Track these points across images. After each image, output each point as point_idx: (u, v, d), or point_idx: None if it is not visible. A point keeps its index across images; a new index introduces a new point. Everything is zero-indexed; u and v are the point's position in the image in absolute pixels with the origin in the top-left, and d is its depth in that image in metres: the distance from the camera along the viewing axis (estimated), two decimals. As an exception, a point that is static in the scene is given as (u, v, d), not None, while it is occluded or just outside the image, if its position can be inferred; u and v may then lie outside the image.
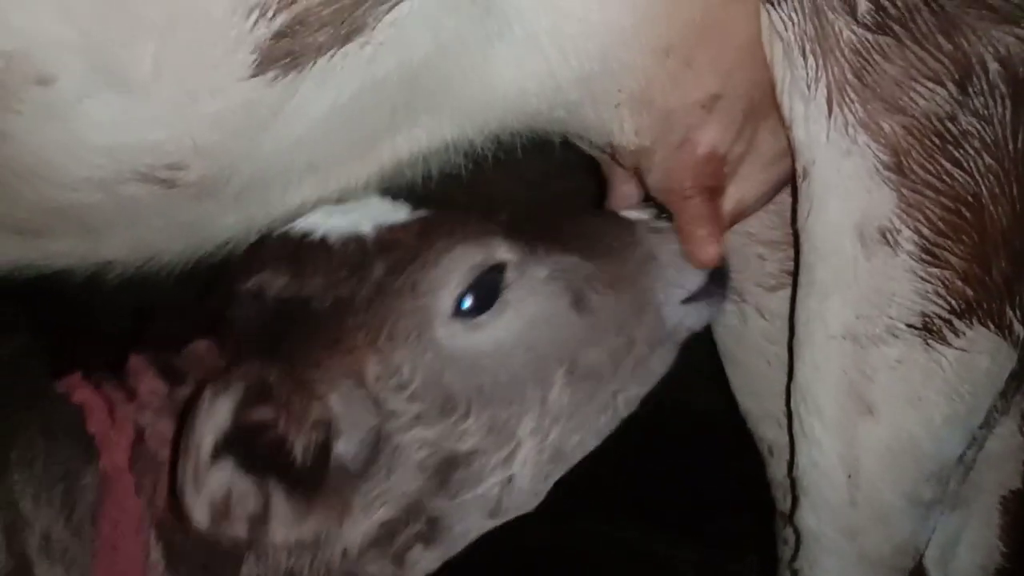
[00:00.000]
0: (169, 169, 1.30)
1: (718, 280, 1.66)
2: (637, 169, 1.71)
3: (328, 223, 1.42)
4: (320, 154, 1.48)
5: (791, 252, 1.79)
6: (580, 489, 1.53)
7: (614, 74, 1.49)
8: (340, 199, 1.55)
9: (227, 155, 1.34)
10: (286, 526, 1.19)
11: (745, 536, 2.72)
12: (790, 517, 1.78)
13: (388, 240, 1.38)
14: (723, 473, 2.62)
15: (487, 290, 1.38)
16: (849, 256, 1.49)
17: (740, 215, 1.73)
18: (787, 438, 1.75)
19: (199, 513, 1.13)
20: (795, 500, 1.72)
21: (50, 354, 1.38)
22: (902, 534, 1.69)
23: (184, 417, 1.19)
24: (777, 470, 2.01)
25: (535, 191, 2.01)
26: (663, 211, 1.67)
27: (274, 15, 1.17)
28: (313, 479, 1.22)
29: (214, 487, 1.13)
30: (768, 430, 1.98)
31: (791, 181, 1.61)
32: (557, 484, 1.51)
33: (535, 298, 1.42)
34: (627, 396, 1.52)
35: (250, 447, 1.16)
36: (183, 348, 1.34)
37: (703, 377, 2.09)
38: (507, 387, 1.37)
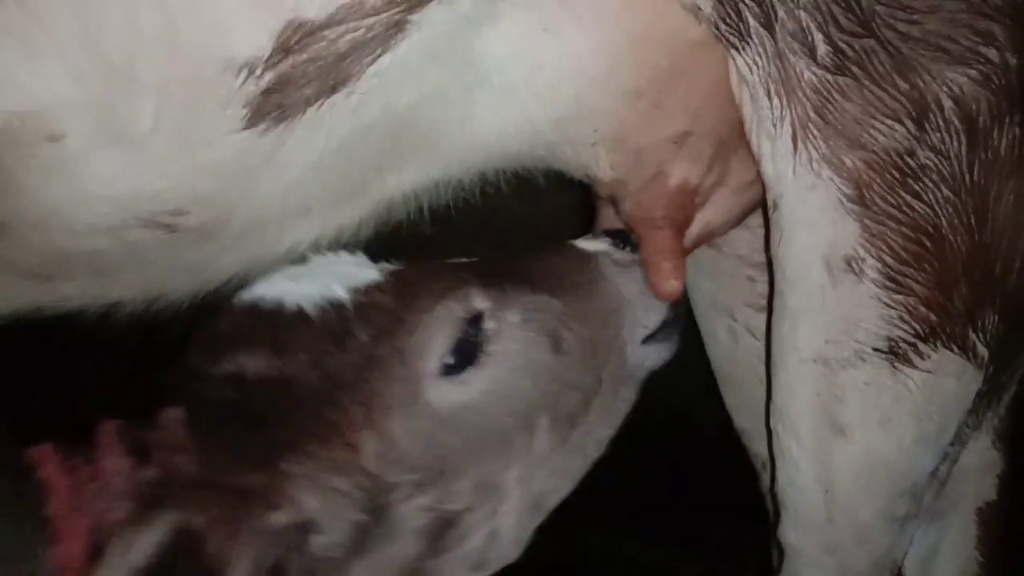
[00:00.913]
0: (171, 215, 1.34)
1: (673, 317, 1.63)
2: (612, 197, 1.75)
3: (298, 291, 1.33)
4: (313, 197, 1.52)
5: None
6: (582, 503, 1.51)
7: (588, 117, 1.55)
8: (337, 237, 1.58)
9: (225, 200, 1.38)
10: None
11: (745, 545, 2.69)
12: (773, 531, 1.79)
13: (366, 304, 1.31)
14: (723, 484, 2.55)
15: (469, 343, 1.33)
16: (817, 284, 1.52)
17: (706, 237, 1.76)
18: None
19: None
20: (777, 515, 1.75)
21: (14, 416, 1.31)
22: (879, 549, 1.71)
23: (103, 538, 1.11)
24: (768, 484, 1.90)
25: (499, 216, 2.01)
26: (625, 239, 1.67)
27: (262, 73, 1.22)
28: None
29: None
30: (761, 446, 1.93)
31: (763, 208, 1.65)
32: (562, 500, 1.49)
33: (515, 345, 1.38)
34: (596, 438, 1.49)
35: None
36: (152, 415, 1.24)
37: (703, 390, 2.13)
38: (496, 439, 1.34)
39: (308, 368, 1.24)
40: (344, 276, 1.36)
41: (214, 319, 1.36)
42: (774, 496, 1.74)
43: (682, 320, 1.67)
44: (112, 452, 1.19)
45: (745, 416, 2.06)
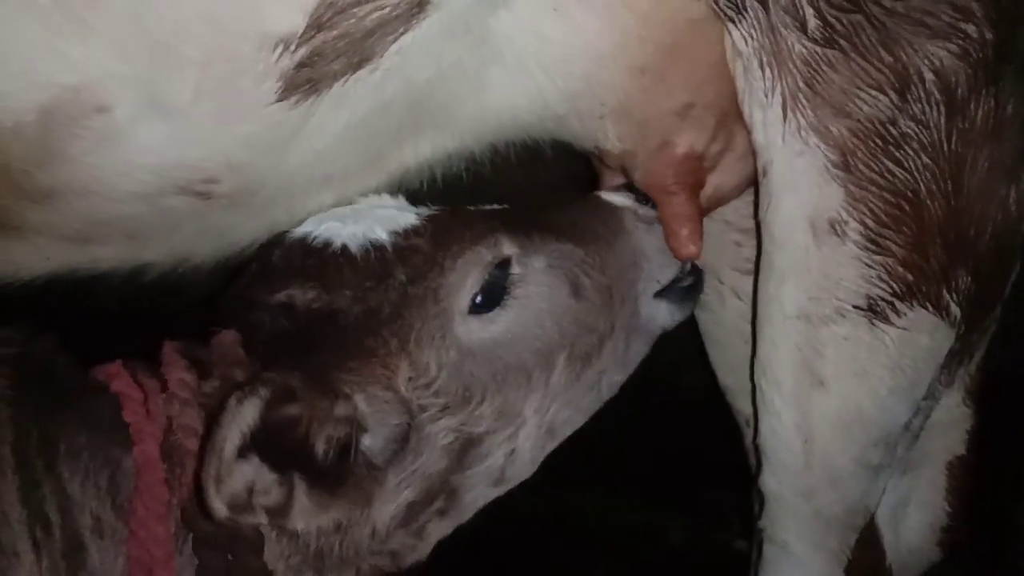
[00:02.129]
0: (205, 183, 1.41)
1: (692, 280, 1.71)
2: (622, 167, 1.81)
3: (345, 231, 1.44)
4: (336, 166, 1.59)
5: None
6: (574, 464, 1.59)
7: (596, 91, 1.61)
8: (353, 202, 1.65)
9: (255, 170, 1.45)
10: (306, 515, 1.27)
11: (730, 506, 2.81)
12: (755, 481, 1.87)
13: (406, 247, 1.43)
14: (709, 446, 2.60)
15: (497, 286, 1.44)
16: (802, 245, 1.59)
17: (718, 201, 1.82)
18: None
19: (218, 507, 1.20)
20: (759, 465, 1.82)
21: (83, 346, 1.42)
22: (853, 495, 1.78)
23: (212, 414, 1.27)
24: (751, 439, 2.00)
25: (524, 178, 2.04)
26: (647, 197, 1.73)
27: (296, 48, 1.30)
28: (336, 473, 1.28)
29: (235, 484, 1.20)
30: (745, 403, 2.02)
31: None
32: (552, 459, 1.58)
33: (539, 289, 1.48)
34: (609, 380, 1.59)
35: (275, 445, 1.22)
36: (210, 339, 1.41)
37: (691, 357, 2.20)
38: (517, 372, 1.45)
39: (351, 302, 1.37)
40: (386, 219, 1.47)
41: (266, 252, 1.49)
42: (756, 448, 1.82)
43: (701, 287, 1.73)
44: (176, 367, 1.33)
45: (729, 374, 2.13)
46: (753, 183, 1.80)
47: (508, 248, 1.46)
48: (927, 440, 1.98)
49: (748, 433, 2.10)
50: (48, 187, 1.39)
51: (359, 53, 1.36)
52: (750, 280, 1.90)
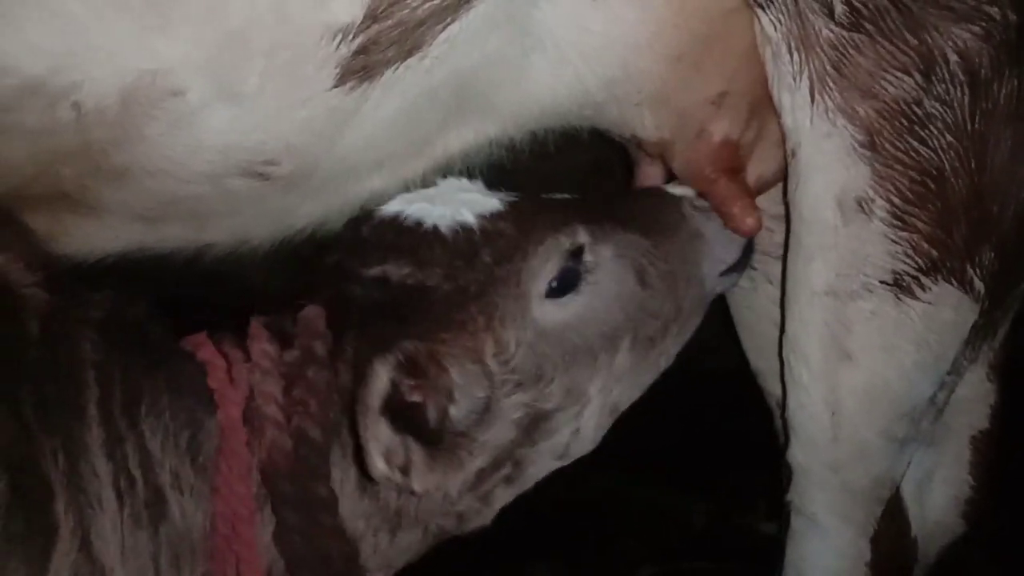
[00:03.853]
0: (265, 164, 1.48)
1: (746, 252, 1.75)
2: (662, 157, 1.84)
3: (435, 212, 1.49)
4: (386, 151, 1.64)
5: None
6: (598, 449, 1.61)
7: (633, 79, 1.65)
8: (402, 191, 1.67)
9: (312, 153, 1.51)
10: (423, 477, 1.32)
11: (754, 488, 2.83)
12: (783, 455, 1.89)
13: (491, 231, 1.47)
14: (735, 428, 2.66)
15: (572, 272, 1.49)
16: (830, 223, 1.62)
17: (763, 188, 1.84)
18: None
19: (377, 462, 1.27)
20: (787, 439, 1.85)
21: (174, 316, 1.48)
22: (879, 467, 1.81)
23: (295, 377, 1.35)
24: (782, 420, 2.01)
25: (575, 173, 2.12)
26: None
27: (354, 37, 1.37)
28: (438, 438, 1.35)
29: (384, 440, 1.27)
30: (776, 385, 2.01)
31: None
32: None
33: (608, 276, 1.52)
34: (668, 355, 1.64)
35: (399, 410, 1.28)
36: (295, 312, 1.44)
37: (716, 340, 2.16)
38: (584, 354, 1.50)
39: (442, 279, 1.43)
40: (471, 203, 1.52)
41: (355, 228, 1.53)
42: (785, 423, 1.85)
43: (751, 255, 1.77)
44: (261, 338, 1.40)
45: (761, 357, 2.15)
46: None
47: (582, 236, 1.51)
48: (951, 415, 2.01)
49: (778, 414, 2.11)
50: (123, 166, 1.47)
51: (411, 42, 1.42)
52: (781, 265, 1.90)
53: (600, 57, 1.62)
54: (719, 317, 2.16)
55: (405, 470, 1.30)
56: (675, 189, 1.75)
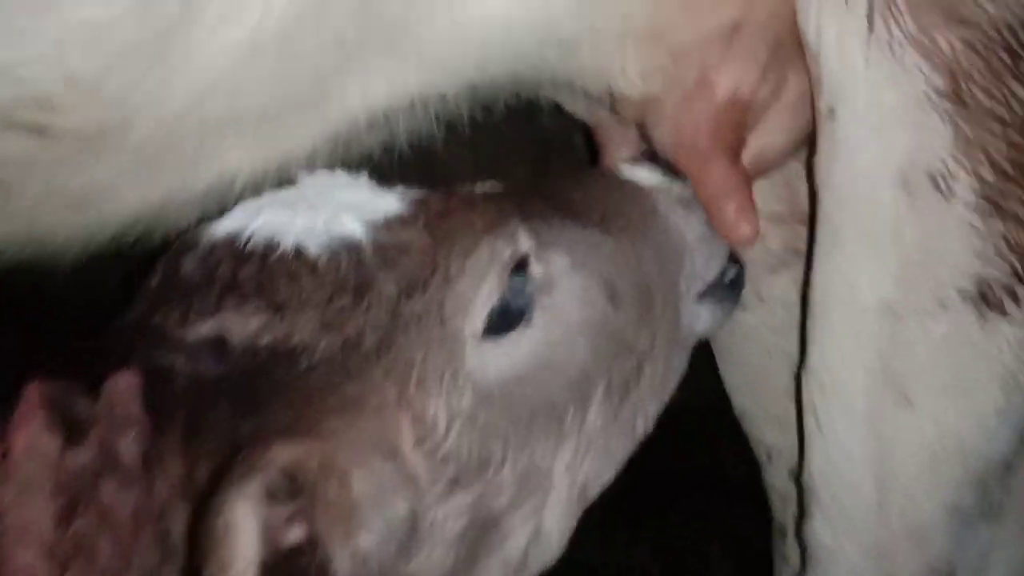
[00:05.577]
0: (38, 109, 1.05)
1: (734, 273, 1.47)
2: (642, 124, 1.53)
3: (297, 223, 1.08)
4: (246, 103, 1.26)
5: (798, 228, 1.69)
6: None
7: None
8: (280, 172, 1.33)
9: (114, 91, 1.10)
10: None
11: (708, 518, 2.75)
12: (797, 531, 1.62)
13: (391, 245, 1.08)
14: (681, 457, 2.50)
15: (518, 294, 1.13)
16: (888, 209, 1.32)
17: (759, 170, 1.56)
18: (791, 440, 1.62)
19: None
20: (804, 511, 1.57)
21: None
22: (938, 551, 1.54)
23: (81, 497, 0.91)
24: (776, 476, 1.89)
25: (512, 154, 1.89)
26: (676, 169, 1.48)
27: None
28: None
29: None
30: (768, 432, 1.87)
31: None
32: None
33: (568, 295, 1.18)
34: (645, 413, 1.29)
35: (274, 565, 0.90)
36: (96, 380, 0.99)
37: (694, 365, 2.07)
38: (546, 416, 1.15)
39: (318, 331, 1.02)
40: (356, 205, 1.12)
41: (173, 258, 1.10)
42: (800, 488, 1.58)
43: (743, 280, 1.49)
44: (32, 421, 0.94)
45: (748, 396, 1.93)
46: (799, 147, 1.59)
47: (524, 241, 1.15)
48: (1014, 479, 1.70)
49: (769, 468, 1.94)
50: None
51: None
52: (777, 280, 1.78)
53: None
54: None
55: None
56: (640, 172, 1.45)
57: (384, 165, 1.42)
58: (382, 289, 1.04)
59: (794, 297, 1.71)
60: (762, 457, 1.94)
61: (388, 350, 1.02)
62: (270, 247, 1.05)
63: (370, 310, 1.03)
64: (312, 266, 1.03)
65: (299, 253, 1.04)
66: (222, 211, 1.16)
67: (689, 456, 2.24)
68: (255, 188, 1.31)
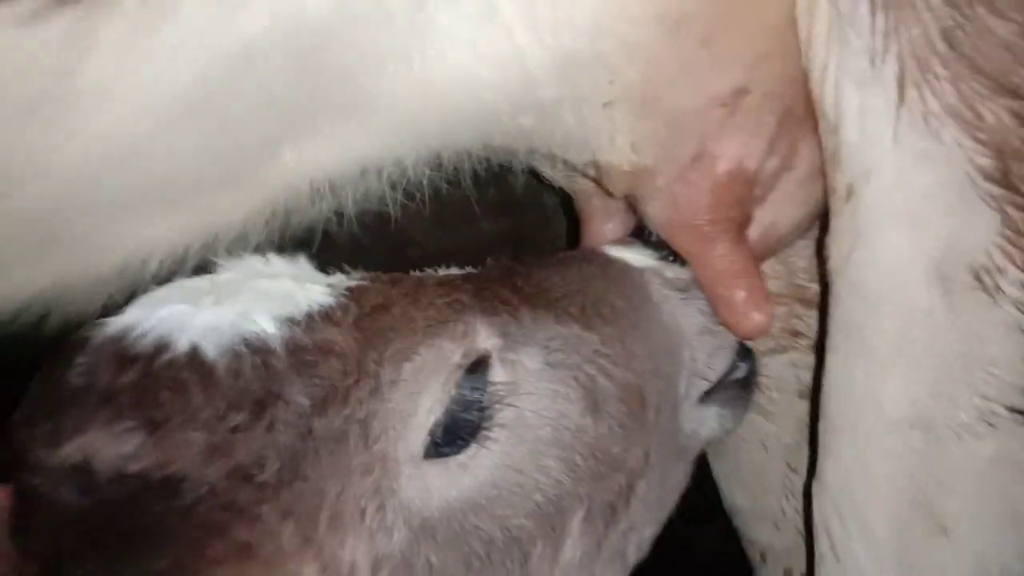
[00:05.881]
0: None
1: (746, 369, 1.34)
2: (632, 198, 1.40)
3: (197, 322, 0.94)
4: (161, 168, 1.10)
5: (797, 308, 1.59)
6: None
7: (606, 57, 1.18)
8: (206, 250, 1.18)
9: None
10: None
11: None
12: None
13: (309, 347, 0.93)
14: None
15: (471, 406, 0.98)
16: (922, 309, 1.17)
17: (769, 248, 1.42)
18: (788, 540, 1.58)
19: None
20: None
21: None
22: None
23: None
24: (770, 578, 1.77)
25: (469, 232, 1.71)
26: (670, 250, 1.35)
27: None
28: None
29: None
30: (761, 531, 1.74)
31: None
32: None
33: (536, 405, 1.03)
34: (639, 538, 1.12)
35: None
36: None
37: None
38: (506, 555, 0.98)
39: (203, 455, 0.87)
40: (273, 296, 0.98)
41: (56, 364, 0.95)
42: None
43: (757, 377, 1.36)
44: None
45: (741, 491, 1.81)
46: (815, 220, 1.48)
47: (485, 339, 1.02)
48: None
49: (763, 570, 1.83)
50: None
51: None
52: (773, 362, 1.63)
53: (556, 16, 1.17)
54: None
55: None
56: (630, 253, 1.35)
57: (332, 231, 1.30)
58: (290, 402, 0.89)
59: (792, 383, 1.60)
60: (754, 558, 1.82)
61: (291, 482, 0.86)
62: (159, 349, 0.89)
63: (272, 430, 0.88)
64: (206, 373, 0.88)
65: (193, 357, 0.89)
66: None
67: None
68: (177, 265, 1.16)
